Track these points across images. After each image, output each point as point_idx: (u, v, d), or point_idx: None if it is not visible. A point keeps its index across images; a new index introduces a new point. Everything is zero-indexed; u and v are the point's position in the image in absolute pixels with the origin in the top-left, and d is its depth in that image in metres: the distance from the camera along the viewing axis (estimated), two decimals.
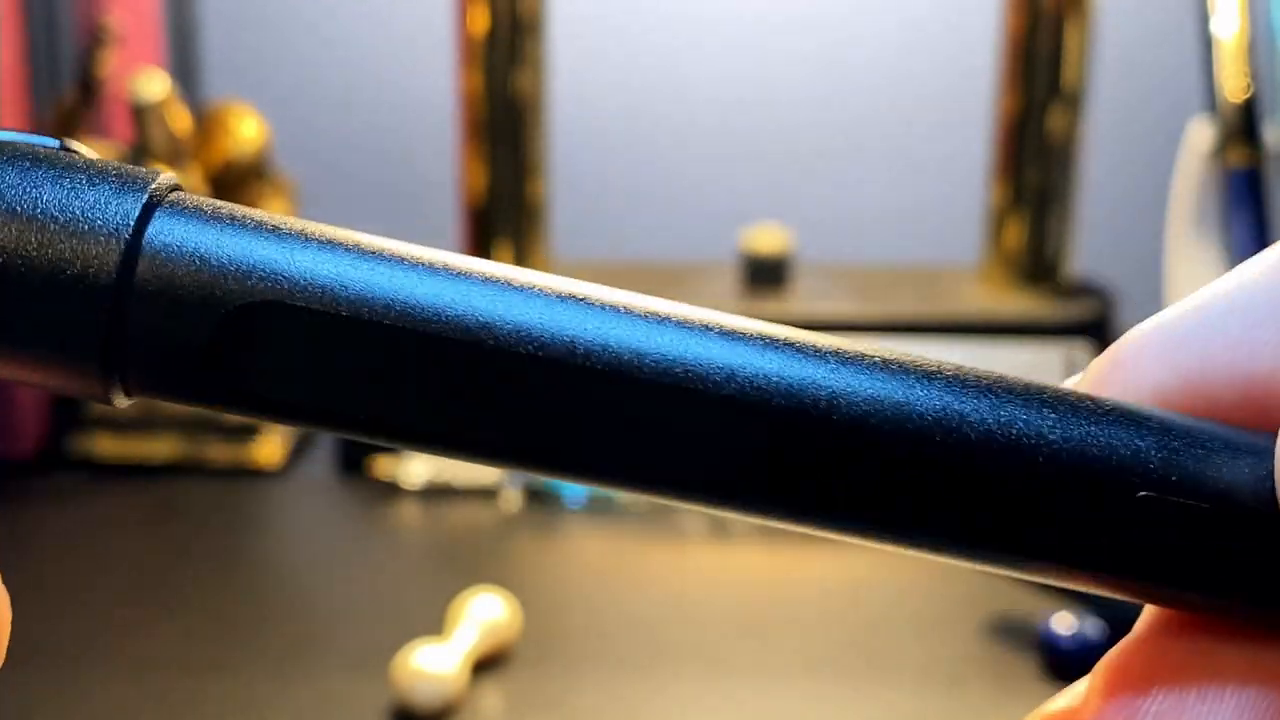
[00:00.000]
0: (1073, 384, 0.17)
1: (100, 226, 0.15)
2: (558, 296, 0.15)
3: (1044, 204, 0.76)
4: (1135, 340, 0.17)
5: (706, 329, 0.15)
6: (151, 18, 0.80)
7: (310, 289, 0.15)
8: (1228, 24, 0.63)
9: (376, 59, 0.98)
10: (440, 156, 0.85)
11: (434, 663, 0.47)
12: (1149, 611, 0.17)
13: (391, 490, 0.65)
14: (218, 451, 0.68)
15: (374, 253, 0.16)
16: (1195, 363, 0.16)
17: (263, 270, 0.15)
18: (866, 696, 0.49)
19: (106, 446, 0.68)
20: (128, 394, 0.16)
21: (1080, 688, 0.17)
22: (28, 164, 0.15)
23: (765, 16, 0.97)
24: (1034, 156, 0.75)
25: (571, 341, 0.15)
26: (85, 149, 0.16)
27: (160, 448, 0.68)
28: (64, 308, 0.15)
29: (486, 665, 0.49)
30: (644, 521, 0.62)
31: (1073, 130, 0.75)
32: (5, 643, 0.16)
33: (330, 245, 0.16)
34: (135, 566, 0.58)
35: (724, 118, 0.99)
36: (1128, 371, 0.16)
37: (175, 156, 0.71)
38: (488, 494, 0.64)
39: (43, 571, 0.57)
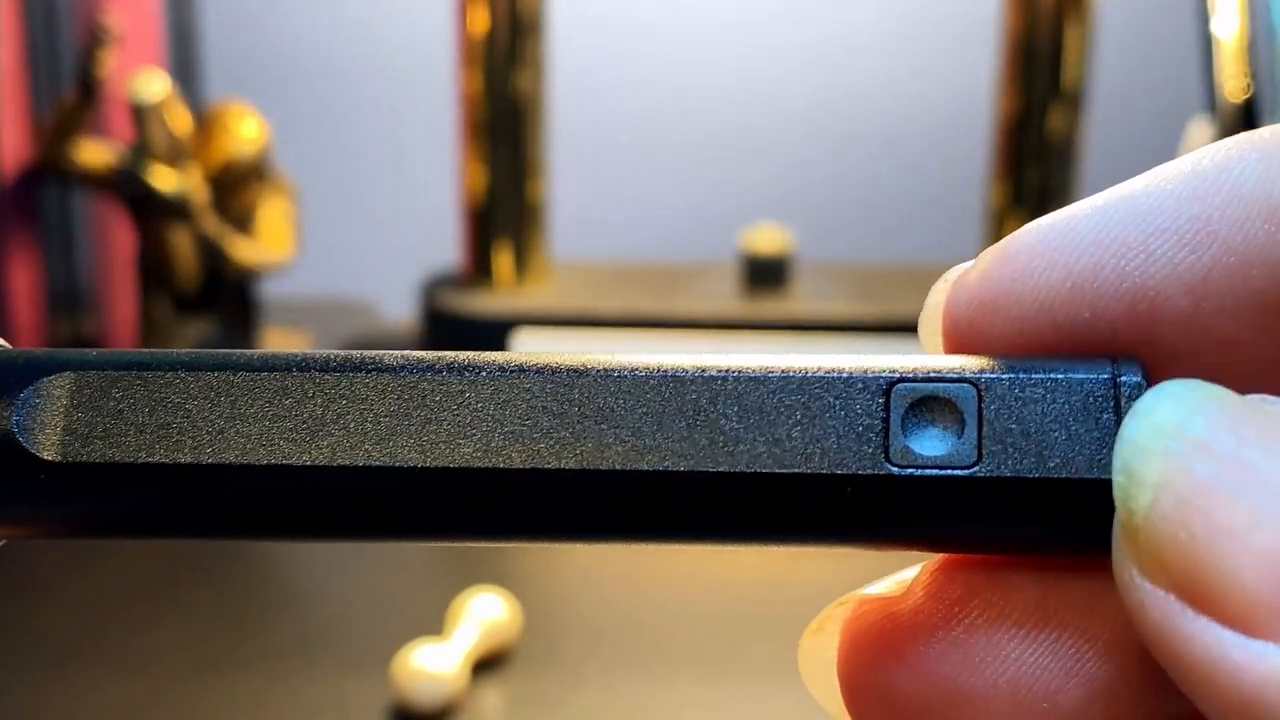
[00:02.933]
0: (960, 272, 0.16)
1: None
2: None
3: (1044, 204, 0.76)
4: (1030, 235, 0.16)
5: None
6: (151, 18, 0.80)
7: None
8: (1228, 24, 0.63)
9: (376, 59, 0.98)
10: (440, 156, 0.85)
11: (434, 663, 0.47)
12: None
13: None
14: None
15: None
16: (1087, 267, 0.15)
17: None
18: None
19: None
20: None
21: (905, 577, 0.17)
22: None
23: (765, 16, 0.97)
24: (1034, 156, 0.75)
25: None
26: None
27: None
28: None
29: (486, 665, 0.49)
30: None
31: (1073, 130, 0.75)
32: None
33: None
34: (135, 565, 0.58)
35: (724, 117, 0.99)
36: (1016, 269, 0.15)
37: (175, 157, 0.71)
38: None
39: (41, 570, 0.57)
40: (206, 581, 0.57)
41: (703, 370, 0.15)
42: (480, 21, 0.72)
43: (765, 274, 0.75)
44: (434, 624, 0.50)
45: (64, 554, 0.58)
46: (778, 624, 0.53)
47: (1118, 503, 0.14)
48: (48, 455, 0.15)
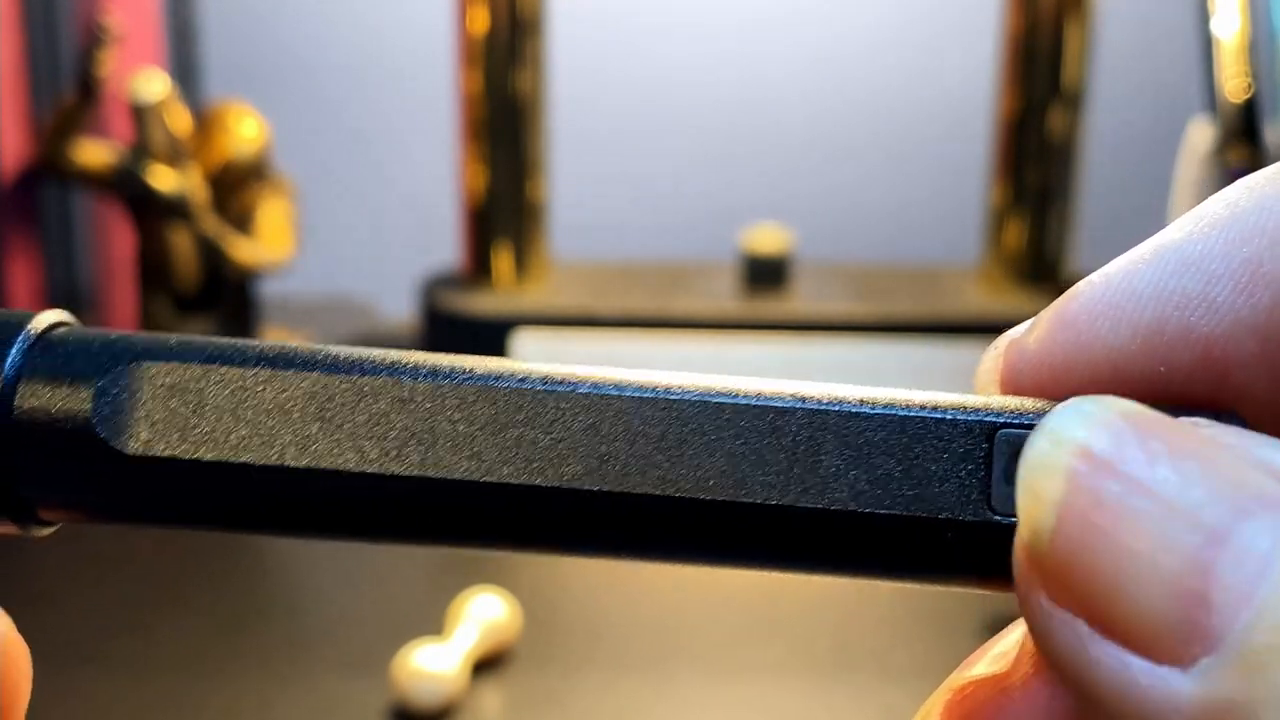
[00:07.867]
0: (1010, 339, 0.16)
1: None
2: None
3: (1044, 204, 0.76)
4: (1085, 296, 0.15)
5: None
6: (151, 18, 0.80)
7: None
8: (1228, 24, 0.63)
9: (376, 59, 0.98)
10: (440, 156, 0.85)
11: (434, 663, 0.47)
12: None
13: None
14: None
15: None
16: (1153, 322, 0.15)
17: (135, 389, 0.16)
18: (866, 696, 0.49)
19: None
20: (43, 525, 0.16)
21: (1006, 647, 0.16)
22: None
23: (765, 16, 0.97)
24: (1034, 156, 0.75)
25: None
26: None
27: None
28: None
29: (486, 665, 0.49)
30: None
31: (1073, 130, 0.75)
32: (26, 699, 0.16)
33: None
34: (135, 566, 0.58)
35: (724, 117, 0.99)
36: (1080, 331, 0.15)
37: (175, 157, 0.71)
38: None
39: (44, 571, 0.57)
40: (207, 581, 0.57)
41: (802, 400, 0.15)
42: (480, 21, 0.72)
43: (765, 274, 0.74)
44: (434, 624, 0.50)
45: (66, 555, 0.58)
46: (777, 625, 0.53)
47: (1020, 522, 0.14)
48: (128, 448, 0.15)
